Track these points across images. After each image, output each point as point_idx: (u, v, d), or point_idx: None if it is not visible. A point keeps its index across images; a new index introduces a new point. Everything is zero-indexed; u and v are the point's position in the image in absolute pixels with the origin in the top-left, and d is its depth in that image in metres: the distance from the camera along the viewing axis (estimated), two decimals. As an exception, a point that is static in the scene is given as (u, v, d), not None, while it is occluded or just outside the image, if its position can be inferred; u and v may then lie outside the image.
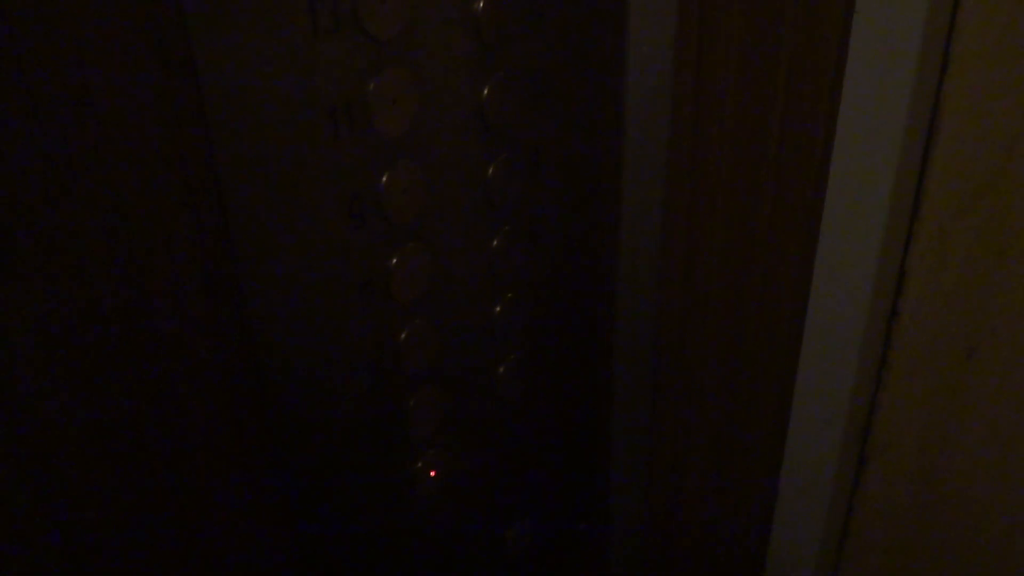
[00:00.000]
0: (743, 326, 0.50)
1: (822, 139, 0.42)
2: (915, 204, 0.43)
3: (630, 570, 0.61)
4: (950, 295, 0.44)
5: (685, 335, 0.53)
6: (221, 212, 0.33)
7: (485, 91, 0.39)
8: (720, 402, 0.54)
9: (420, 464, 0.44)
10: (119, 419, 0.34)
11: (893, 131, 0.40)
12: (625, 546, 0.60)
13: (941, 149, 0.41)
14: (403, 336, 0.41)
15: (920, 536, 0.50)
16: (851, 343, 0.46)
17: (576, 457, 0.55)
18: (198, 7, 0.30)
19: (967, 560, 0.49)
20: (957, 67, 0.40)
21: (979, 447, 0.46)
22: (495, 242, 0.43)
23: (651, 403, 0.56)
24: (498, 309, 0.45)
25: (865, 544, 0.53)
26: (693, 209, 0.49)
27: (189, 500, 0.37)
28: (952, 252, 0.43)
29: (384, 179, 0.37)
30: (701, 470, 0.57)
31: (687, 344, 0.53)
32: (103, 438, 0.34)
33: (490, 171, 0.41)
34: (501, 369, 0.47)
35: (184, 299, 0.34)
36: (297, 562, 0.42)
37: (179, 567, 0.38)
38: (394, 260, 0.39)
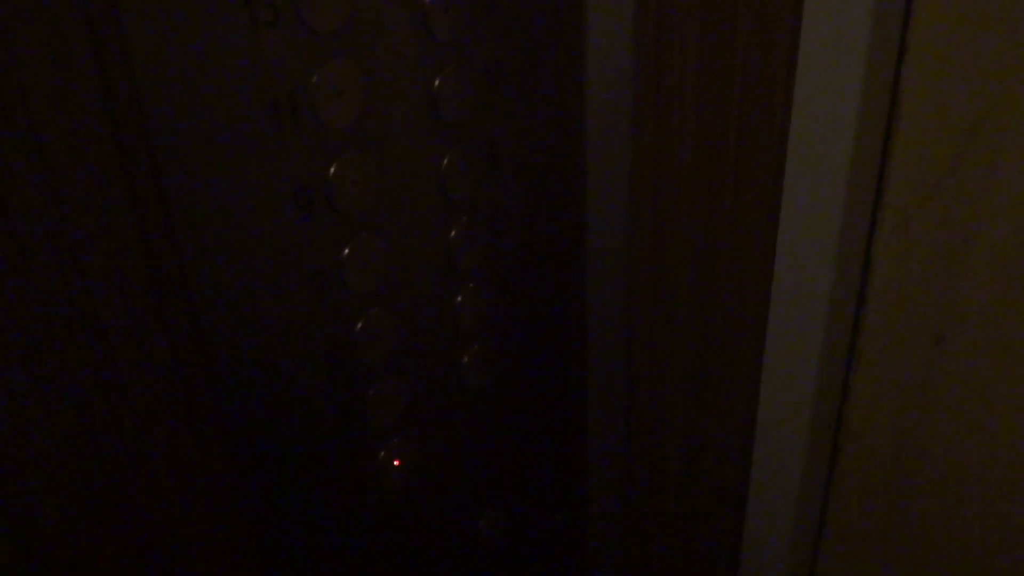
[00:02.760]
0: (710, 315, 0.50)
1: (779, 127, 0.42)
2: (878, 190, 0.43)
3: (606, 560, 0.61)
4: (917, 282, 0.44)
5: (654, 324, 0.53)
6: (164, 208, 0.33)
7: (436, 82, 0.39)
8: (691, 390, 0.54)
9: (383, 454, 0.45)
10: (71, 418, 0.34)
11: (848, 117, 0.40)
12: (601, 536, 0.60)
13: (902, 134, 0.41)
14: (359, 326, 0.41)
15: (896, 522, 0.50)
16: (818, 332, 0.46)
17: (550, 447, 0.55)
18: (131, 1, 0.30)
19: (944, 545, 0.49)
20: (915, 51, 0.39)
21: (951, 433, 0.46)
22: (453, 232, 0.43)
23: (625, 392, 0.56)
24: (459, 299, 0.45)
25: (842, 531, 0.52)
26: (658, 198, 0.49)
27: (149, 500, 0.37)
28: (917, 238, 0.43)
29: (332, 170, 0.37)
30: (675, 459, 0.57)
31: (656, 334, 0.53)
32: (54, 437, 0.34)
33: (444, 162, 0.41)
34: (465, 359, 0.47)
35: (131, 297, 0.34)
36: (264, 559, 0.43)
37: (139, 567, 0.38)
38: (347, 251, 0.39)
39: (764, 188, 0.44)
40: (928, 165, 0.41)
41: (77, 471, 0.35)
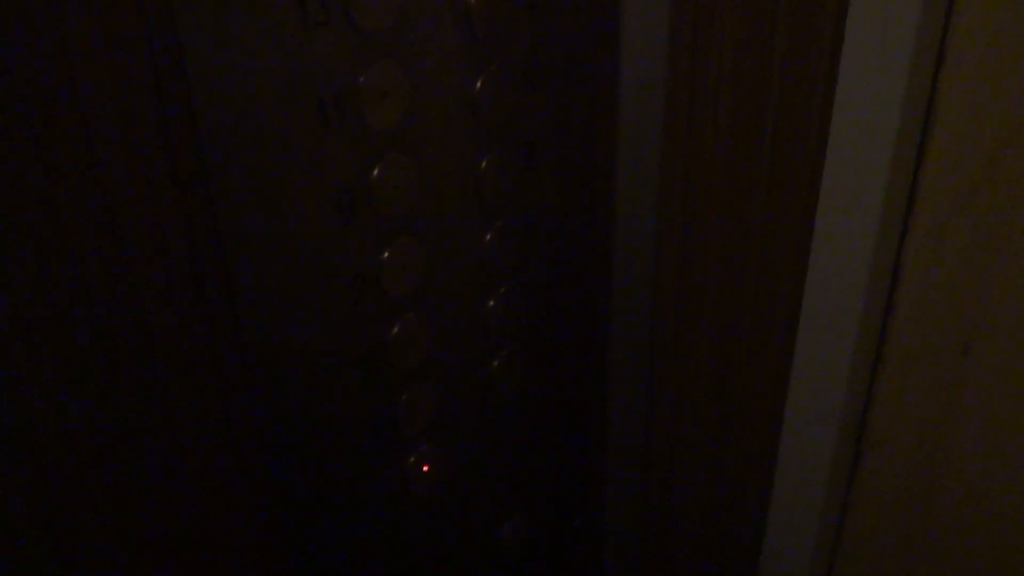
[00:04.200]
0: (738, 321, 0.50)
1: (816, 134, 0.42)
2: (910, 199, 0.43)
3: (625, 565, 0.61)
4: (946, 291, 0.44)
5: (680, 330, 0.53)
6: (210, 207, 0.33)
7: (478, 84, 0.39)
8: (715, 397, 0.53)
9: (413, 459, 0.44)
10: (112, 417, 0.34)
11: (887, 126, 0.40)
12: (620, 541, 0.60)
13: (936, 144, 0.41)
14: (395, 331, 0.40)
15: (916, 531, 0.50)
16: (846, 338, 0.46)
17: (571, 452, 0.55)
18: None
19: (963, 555, 0.49)
20: (952, 62, 0.40)
21: (975, 443, 0.46)
22: (488, 236, 0.43)
23: (646, 398, 0.56)
24: (491, 303, 0.45)
25: (861, 539, 0.52)
26: (688, 203, 0.49)
27: (181, 499, 0.37)
28: (948, 248, 0.43)
29: (375, 173, 0.37)
30: (696, 465, 0.57)
31: (682, 339, 0.53)
32: (96, 436, 0.33)
33: (483, 165, 0.41)
34: (495, 364, 0.46)
35: (175, 295, 0.33)
36: (291, 560, 0.42)
37: (172, 567, 0.38)
38: (385, 254, 0.39)
39: (798, 194, 0.44)
40: (961, 175, 0.41)
41: (117, 470, 0.35)
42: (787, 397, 0.49)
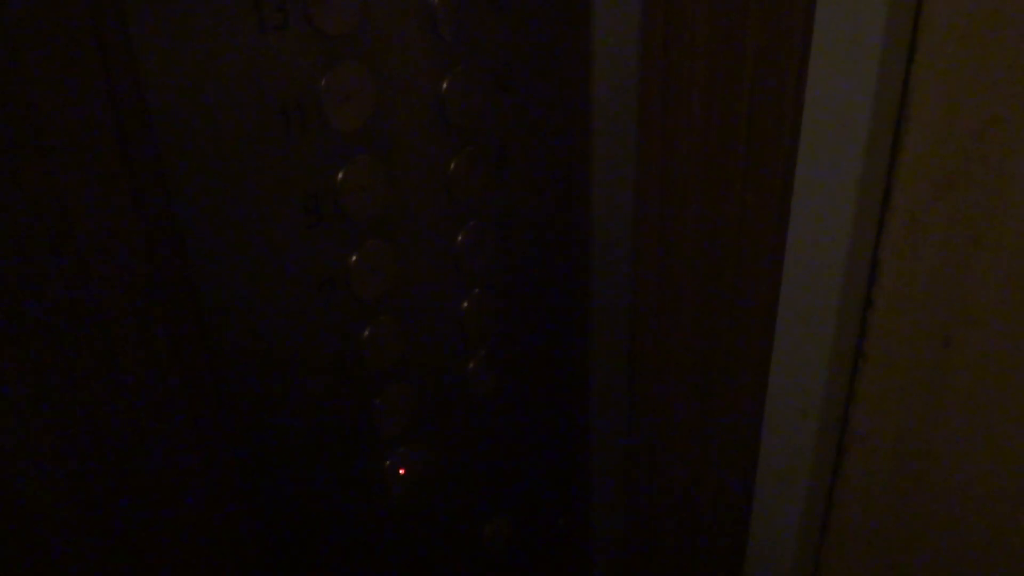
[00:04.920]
0: (717, 317, 0.50)
1: (789, 129, 0.42)
2: (887, 192, 0.42)
3: (611, 563, 0.61)
4: (925, 284, 0.43)
5: (659, 328, 0.53)
6: (170, 214, 0.33)
7: (445, 84, 0.39)
8: (696, 395, 0.53)
9: (389, 462, 0.44)
10: (73, 424, 0.33)
11: (859, 119, 0.39)
12: (605, 539, 0.60)
13: (912, 136, 0.41)
14: (366, 334, 0.40)
15: (901, 525, 0.50)
16: (824, 333, 0.45)
17: (554, 452, 0.54)
18: (137, 4, 0.29)
19: (949, 548, 0.49)
20: (925, 54, 0.39)
21: (958, 436, 0.46)
22: (460, 237, 0.43)
23: (628, 396, 0.55)
24: (466, 305, 0.44)
25: (846, 535, 0.52)
26: (664, 201, 0.49)
27: (149, 507, 0.37)
28: (926, 240, 0.43)
29: (340, 176, 0.36)
30: (679, 463, 0.56)
31: (662, 336, 0.53)
32: (59, 440, 0.33)
33: (452, 166, 0.41)
34: (471, 365, 0.46)
35: (136, 303, 0.33)
36: (268, 567, 0.42)
37: (141, 572, 0.38)
38: (354, 257, 0.38)
39: (773, 190, 0.44)
40: (937, 166, 0.41)
41: (79, 478, 0.34)
42: (767, 394, 0.49)
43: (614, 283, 0.51)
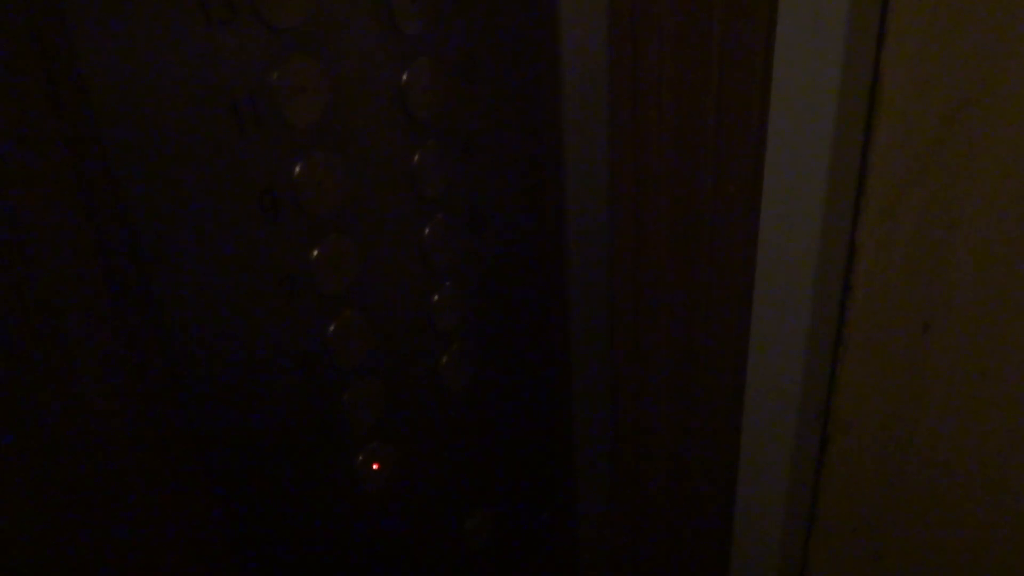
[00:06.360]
0: (693, 307, 0.49)
1: (758, 116, 0.41)
2: (860, 178, 0.42)
3: (596, 555, 0.61)
4: (902, 269, 0.43)
5: (637, 318, 0.52)
6: (121, 214, 0.32)
7: (404, 77, 0.38)
8: (675, 386, 0.53)
9: (361, 457, 0.44)
10: (31, 429, 0.33)
11: (829, 105, 0.39)
12: (589, 531, 0.59)
13: (884, 123, 0.40)
14: (332, 329, 0.40)
15: (887, 511, 0.49)
16: (801, 322, 0.45)
17: (534, 446, 0.54)
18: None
19: (934, 534, 0.48)
20: (895, 37, 0.39)
21: (940, 420, 0.45)
22: (427, 230, 0.42)
23: (610, 387, 0.55)
24: (436, 298, 0.44)
25: (834, 522, 0.52)
26: (638, 190, 0.48)
27: (115, 512, 0.37)
28: (901, 225, 0.42)
29: (297, 170, 0.36)
30: (661, 457, 0.56)
31: (639, 327, 0.52)
32: (14, 446, 0.33)
33: (416, 158, 0.40)
34: (444, 359, 0.46)
35: (90, 305, 0.33)
36: (242, 569, 0.42)
37: None
38: (316, 252, 0.38)
39: (745, 178, 0.43)
40: (910, 152, 0.40)
41: (40, 483, 0.34)
42: (747, 384, 0.49)
43: (589, 272, 0.51)
